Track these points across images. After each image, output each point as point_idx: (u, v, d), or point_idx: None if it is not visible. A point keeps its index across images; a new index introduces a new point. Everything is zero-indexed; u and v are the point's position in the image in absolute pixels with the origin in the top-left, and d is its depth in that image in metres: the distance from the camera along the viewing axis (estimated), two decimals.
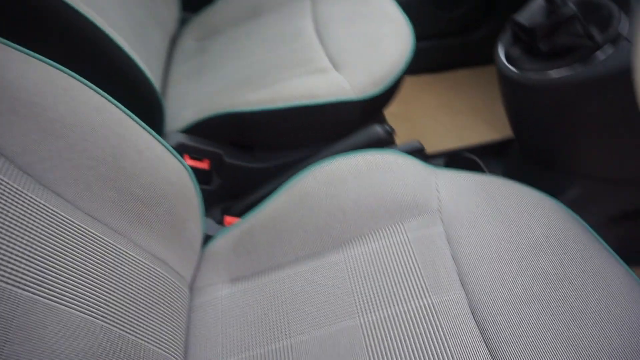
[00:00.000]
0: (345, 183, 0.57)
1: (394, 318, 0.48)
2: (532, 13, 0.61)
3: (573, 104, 0.59)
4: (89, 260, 0.42)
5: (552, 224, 0.51)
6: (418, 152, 0.66)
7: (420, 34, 1.26)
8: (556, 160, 0.70)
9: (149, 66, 0.80)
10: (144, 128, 0.49)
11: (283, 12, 0.95)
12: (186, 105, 0.84)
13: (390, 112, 1.25)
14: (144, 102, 0.73)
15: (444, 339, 0.45)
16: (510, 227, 0.51)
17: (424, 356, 0.44)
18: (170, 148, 0.51)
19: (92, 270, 0.42)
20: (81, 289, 0.40)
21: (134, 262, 0.47)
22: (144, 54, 0.79)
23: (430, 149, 1.00)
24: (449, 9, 1.16)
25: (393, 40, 0.80)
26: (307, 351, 0.48)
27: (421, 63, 1.32)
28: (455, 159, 0.84)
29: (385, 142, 0.67)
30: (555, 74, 0.58)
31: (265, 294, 0.54)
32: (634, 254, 0.86)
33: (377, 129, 0.68)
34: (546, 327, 0.44)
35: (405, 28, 0.82)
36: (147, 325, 0.46)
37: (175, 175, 0.52)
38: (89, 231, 0.43)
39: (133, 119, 0.48)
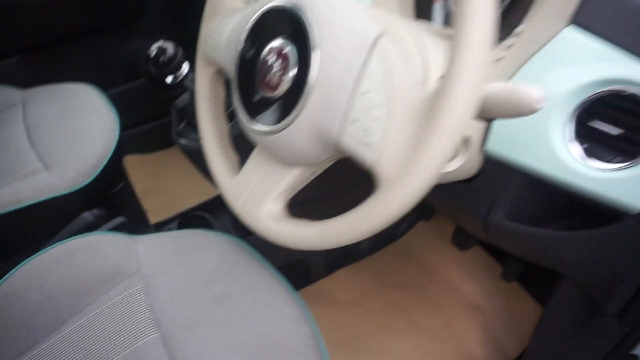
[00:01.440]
0: (49, 272, 0.63)
1: None
2: (182, 99, 0.79)
3: None
4: None
5: (222, 256, 0.66)
6: (122, 226, 0.76)
7: (146, 118, 1.41)
8: None
9: None
10: None
11: None
12: None
13: (144, 190, 1.33)
14: None
15: None
16: (191, 268, 0.64)
17: None
18: None
19: None
20: None
21: None
22: None
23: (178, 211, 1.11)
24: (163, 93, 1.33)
25: (100, 130, 0.90)
26: None
27: (157, 141, 1.45)
28: (187, 218, 0.97)
29: (95, 225, 0.75)
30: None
31: None
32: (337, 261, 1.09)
33: (84, 216, 0.76)
34: (218, 338, 0.57)
35: (110, 117, 0.93)
36: None
37: None
38: None
39: None
